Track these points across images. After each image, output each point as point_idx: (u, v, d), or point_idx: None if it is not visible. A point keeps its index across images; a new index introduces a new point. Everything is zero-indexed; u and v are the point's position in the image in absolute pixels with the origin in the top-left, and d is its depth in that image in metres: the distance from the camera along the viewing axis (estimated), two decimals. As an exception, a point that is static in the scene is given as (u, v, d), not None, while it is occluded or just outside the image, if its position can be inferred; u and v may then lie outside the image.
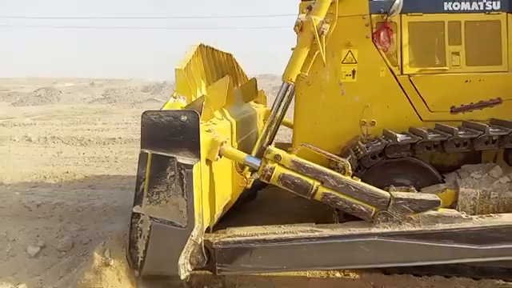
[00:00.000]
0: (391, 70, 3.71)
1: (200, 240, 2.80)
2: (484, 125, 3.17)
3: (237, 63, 5.44)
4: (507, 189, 3.09)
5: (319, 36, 3.43)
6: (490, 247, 2.71)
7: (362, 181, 3.16)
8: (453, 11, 3.68)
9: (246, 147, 3.79)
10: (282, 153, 2.88)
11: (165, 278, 2.83)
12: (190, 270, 2.82)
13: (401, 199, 2.77)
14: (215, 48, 4.28)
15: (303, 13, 3.59)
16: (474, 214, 3.01)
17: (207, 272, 3.13)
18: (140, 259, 2.80)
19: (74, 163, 7.88)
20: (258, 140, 3.71)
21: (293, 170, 2.87)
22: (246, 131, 4.42)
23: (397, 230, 2.75)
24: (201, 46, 3.79)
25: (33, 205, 4.98)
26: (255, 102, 5.62)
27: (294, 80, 3.59)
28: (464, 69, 3.66)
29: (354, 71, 3.77)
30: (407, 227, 2.75)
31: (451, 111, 3.67)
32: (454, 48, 3.68)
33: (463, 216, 2.76)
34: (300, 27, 3.53)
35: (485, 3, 3.66)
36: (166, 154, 2.70)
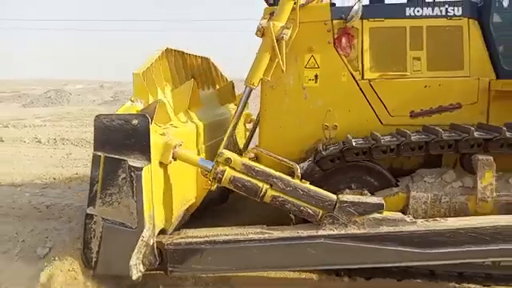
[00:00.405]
0: (352, 75, 3.76)
1: (152, 241, 2.86)
2: (439, 129, 3.22)
3: (215, 66, 5.50)
4: (459, 193, 3.13)
5: (278, 41, 3.49)
6: (433, 251, 2.76)
7: (320, 183, 3.24)
8: (415, 17, 3.73)
9: (216, 150, 3.84)
10: (233, 156, 2.95)
11: (118, 277, 2.89)
12: (143, 270, 2.87)
13: (346, 202, 2.83)
14: (186, 52, 4.35)
15: (265, 18, 3.66)
16: (425, 218, 3.07)
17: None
18: (94, 259, 2.88)
19: (84, 165, 7.87)
20: (222, 143, 3.77)
21: (243, 173, 2.93)
22: (218, 134, 4.47)
23: (343, 232, 2.81)
24: (167, 50, 3.85)
25: (42, 206, 4.97)
26: (235, 104, 5.68)
27: (256, 84, 3.65)
28: (425, 74, 3.71)
29: (316, 76, 3.83)
30: (353, 230, 2.81)
31: (411, 116, 3.72)
32: (415, 53, 3.73)
33: (407, 219, 2.81)
34: (262, 32, 3.59)
35: (447, 9, 3.71)
36: (118, 157, 2.77)
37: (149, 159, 2.78)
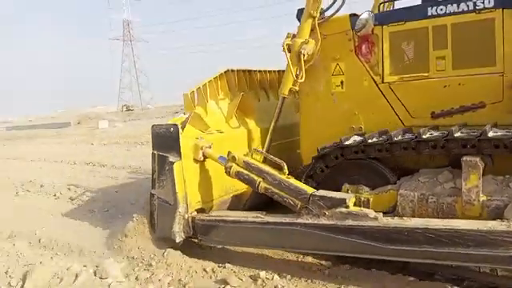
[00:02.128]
0: (373, 80, 3.96)
1: (187, 216, 3.95)
2: (426, 129, 3.22)
3: None
4: (447, 194, 3.06)
5: (299, 55, 4.07)
6: (391, 247, 2.90)
7: (328, 179, 3.73)
8: (437, 15, 3.65)
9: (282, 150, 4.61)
10: (238, 155, 3.75)
11: (169, 239, 4.08)
12: (184, 236, 3.98)
13: (317, 196, 3.25)
14: (251, 69, 5.25)
15: (288, 37, 4.25)
16: (413, 216, 3.16)
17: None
18: (155, 225, 4.16)
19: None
20: (266, 144, 4.54)
21: (244, 168, 3.70)
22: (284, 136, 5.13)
23: (315, 222, 3.24)
24: (226, 71, 4.85)
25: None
26: None
27: (286, 93, 4.30)
28: (449, 73, 3.59)
29: (342, 82, 4.19)
30: (323, 221, 3.21)
31: (432, 117, 3.67)
32: (439, 53, 3.65)
33: (370, 215, 3.02)
34: (287, 49, 4.21)
35: (475, 2, 3.49)
36: (164, 154, 3.97)
37: (180, 156, 3.87)
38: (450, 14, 3.58)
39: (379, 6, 4.06)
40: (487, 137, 2.95)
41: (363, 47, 3.99)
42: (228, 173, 3.81)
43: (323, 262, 3.60)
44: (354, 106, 4.11)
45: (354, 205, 3.26)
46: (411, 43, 3.81)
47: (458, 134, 3.11)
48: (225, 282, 3.27)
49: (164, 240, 4.07)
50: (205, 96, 4.45)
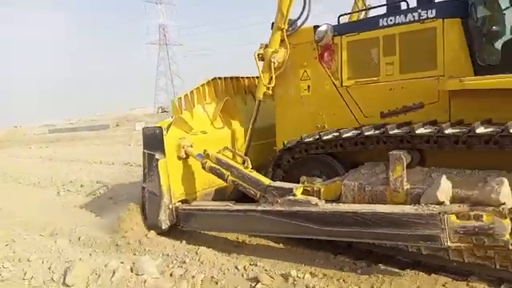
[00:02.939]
0: (334, 84, 4.42)
1: (171, 206, 4.56)
2: (369, 127, 3.67)
3: None
4: (379, 183, 3.47)
5: (270, 63, 4.60)
6: (327, 228, 3.37)
7: (292, 169, 4.25)
8: (387, 26, 4.06)
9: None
10: (211, 153, 4.32)
11: (157, 227, 4.70)
12: (169, 224, 4.60)
13: (271, 187, 3.77)
14: (237, 76, 5.81)
15: (261, 47, 4.79)
16: (354, 203, 3.60)
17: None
18: (146, 215, 4.80)
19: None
20: (245, 143, 5.09)
21: (216, 164, 4.27)
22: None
23: (270, 208, 3.75)
24: (213, 78, 5.44)
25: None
26: None
27: (261, 97, 4.84)
28: (396, 77, 4.00)
29: (309, 86, 4.68)
30: (276, 207, 3.71)
31: (381, 116, 4.08)
32: (388, 59, 4.06)
33: (312, 202, 3.49)
34: (261, 57, 4.75)
35: (420, 13, 3.87)
36: (151, 153, 4.61)
37: (164, 154, 4.49)
38: (398, 24, 3.99)
39: (339, 18, 4.50)
40: (415, 133, 3.36)
41: (325, 55, 4.46)
42: (204, 168, 4.40)
43: (356, 262, 3.61)
44: (319, 107, 4.59)
45: (303, 193, 3.75)
46: (365, 51, 4.22)
47: (393, 132, 3.52)
48: (256, 279, 3.27)
49: (153, 227, 4.70)
50: (192, 101, 5.06)
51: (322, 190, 3.93)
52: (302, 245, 3.98)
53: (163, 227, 4.55)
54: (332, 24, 4.38)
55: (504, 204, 2.64)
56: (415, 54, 3.92)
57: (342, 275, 3.35)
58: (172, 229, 4.59)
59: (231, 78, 5.74)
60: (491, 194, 2.68)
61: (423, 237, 2.91)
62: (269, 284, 3.24)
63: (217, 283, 3.33)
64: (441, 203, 2.91)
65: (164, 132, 4.51)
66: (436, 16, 3.77)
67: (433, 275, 3.17)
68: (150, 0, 62.87)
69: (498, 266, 2.97)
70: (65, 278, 3.49)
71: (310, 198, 3.61)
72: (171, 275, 3.52)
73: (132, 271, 3.54)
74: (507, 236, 2.65)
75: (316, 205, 3.50)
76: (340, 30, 4.36)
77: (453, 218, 2.80)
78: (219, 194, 5.12)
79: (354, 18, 5.13)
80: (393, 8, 4.14)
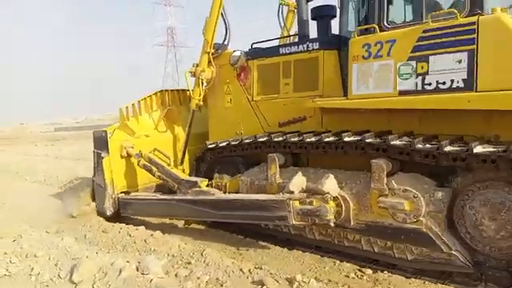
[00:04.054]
0: (248, 98, 5.42)
1: (114, 196, 5.53)
2: (263, 134, 4.68)
3: None
4: (263, 178, 4.44)
5: (199, 80, 5.60)
6: (220, 212, 4.36)
7: (212, 164, 5.23)
8: (286, 54, 5.05)
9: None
10: (144, 152, 5.31)
11: (103, 213, 5.66)
12: (112, 211, 5.56)
13: (184, 180, 4.76)
14: (180, 89, 6.79)
15: (193, 66, 5.79)
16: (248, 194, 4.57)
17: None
18: (96, 203, 5.77)
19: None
20: (183, 146, 6.07)
21: (148, 162, 5.25)
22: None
23: (182, 198, 4.74)
24: (161, 91, 6.42)
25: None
26: None
27: (194, 107, 5.83)
28: (291, 95, 4.99)
29: (231, 99, 5.67)
30: (187, 196, 4.70)
31: (279, 125, 5.07)
32: (285, 80, 5.06)
33: (211, 192, 4.49)
34: (192, 74, 5.75)
35: (308, 45, 4.86)
36: (99, 152, 5.59)
37: (108, 153, 5.47)
38: (293, 53, 4.99)
39: (252, 45, 5.51)
40: (290, 141, 4.33)
41: (242, 74, 5.47)
42: (139, 165, 5.38)
43: (361, 269, 3.69)
44: (238, 117, 5.57)
45: (214, 187, 4.74)
46: (270, 73, 5.21)
47: (277, 139, 4.48)
48: (261, 283, 3.22)
49: (101, 213, 5.66)
50: (138, 110, 6.04)
51: (228, 184, 4.92)
52: (308, 250, 4.22)
53: (108, 213, 5.52)
54: (245, 50, 5.38)
55: (328, 193, 3.63)
56: (304, 77, 4.90)
57: (348, 281, 3.41)
58: (178, 229, 5.19)
59: (177, 90, 6.74)
60: (318, 186, 3.67)
61: (278, 217, 3.90)
62: None
63: (222, 285, 3.30)
64: (291, 192, 3.89)
65: (109, 135, 5.49)
66: (319, 47, 4.77)
67: (439, 285, 3.31)
68: (159, 2, 63.79)
69: (336, 242, 3.95)
70: (71, 275, 3.49)
71: (209, 189, 4.61)
72: (176, 275, 3.51)
73: (138, 270, 3.54)
74: (329, 216, 3.63)
75: (213, 194, 4.49)
76: (252, 55, 5.36)
77: (296, 203, 3.79)
78: (159, 188, 6.10)
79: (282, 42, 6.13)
80: (300, 37, 5.14)
